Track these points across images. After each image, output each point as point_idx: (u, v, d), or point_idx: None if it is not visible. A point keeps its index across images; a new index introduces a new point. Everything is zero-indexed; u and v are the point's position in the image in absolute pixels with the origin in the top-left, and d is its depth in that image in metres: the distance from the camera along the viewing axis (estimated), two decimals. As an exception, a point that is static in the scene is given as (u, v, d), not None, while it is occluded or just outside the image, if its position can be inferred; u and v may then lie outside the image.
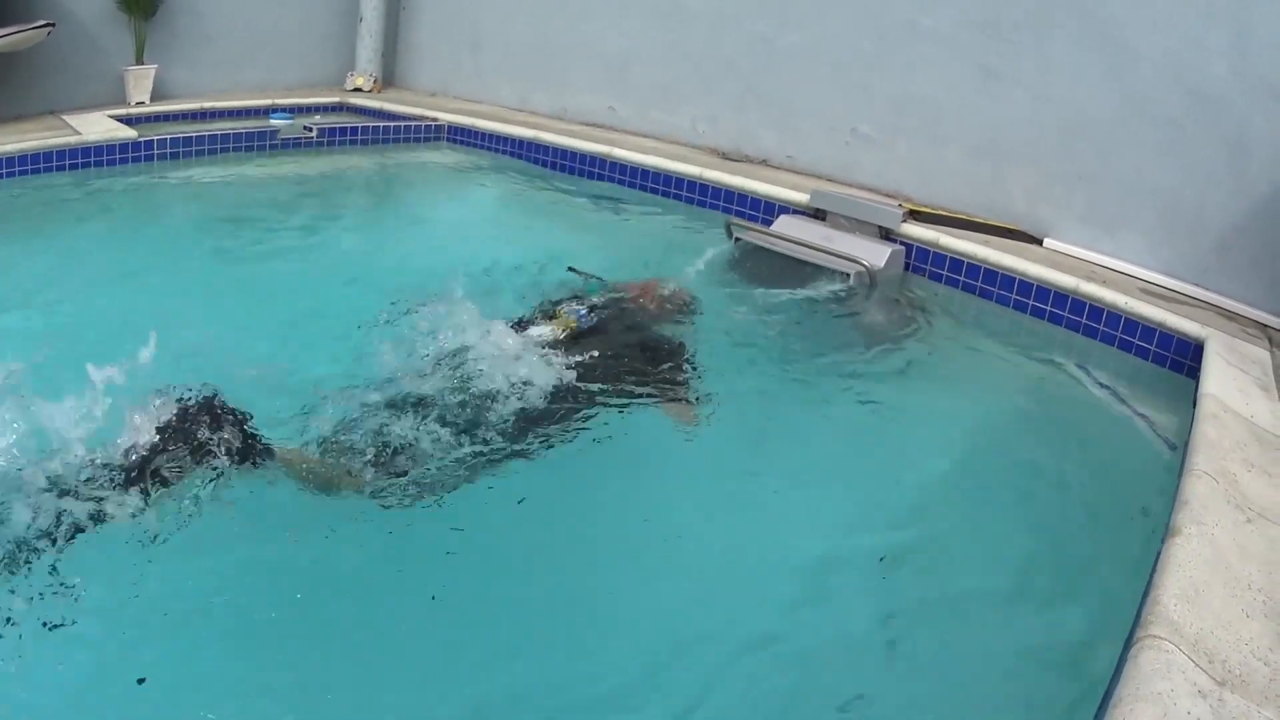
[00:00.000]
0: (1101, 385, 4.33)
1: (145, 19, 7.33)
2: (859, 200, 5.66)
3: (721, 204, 6.30)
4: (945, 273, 5.32)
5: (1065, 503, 3.40)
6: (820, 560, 2.94)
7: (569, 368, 3.52)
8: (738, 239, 5.59)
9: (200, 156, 6.74)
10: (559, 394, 3.38)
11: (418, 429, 3.03)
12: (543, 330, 3.73)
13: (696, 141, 7.34)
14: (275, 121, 7.24)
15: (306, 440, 2.95)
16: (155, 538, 2.52)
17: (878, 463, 3.62)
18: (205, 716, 2.13)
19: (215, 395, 2.78)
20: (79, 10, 6.99)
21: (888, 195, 6.11)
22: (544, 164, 7.28)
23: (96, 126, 6.51)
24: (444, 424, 3.07)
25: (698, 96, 7.32)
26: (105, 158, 6.29)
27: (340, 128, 7.54)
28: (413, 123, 7.85)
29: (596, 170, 6.99)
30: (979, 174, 5.86)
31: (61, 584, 2.33)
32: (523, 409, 3.24)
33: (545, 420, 3.26)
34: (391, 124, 7.81)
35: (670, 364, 3.84)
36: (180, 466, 2.66)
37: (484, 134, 7.68)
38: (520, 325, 3.79)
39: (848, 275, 5.11)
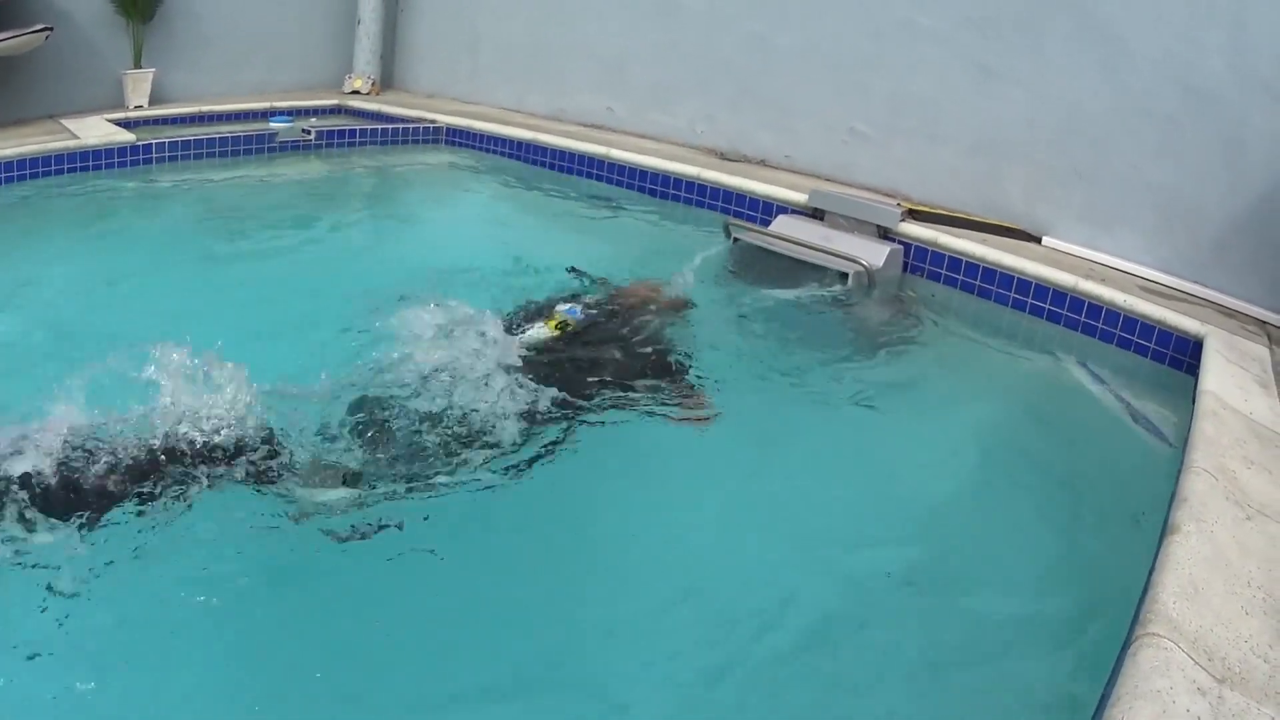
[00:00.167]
0: (1101, 383, 4.33)
1: (143, 23, 7.32)
2: (857, 200, 5.67)
3: (719, 204, 6.30)
4: (944, 272, 5.32)
5: (1064, 500, 3.39)
6: (819, 559, 2.94)
7: (562, 367, 3.52)
8: (736, 239, 5.60)
9: (199, 160, 6.75)
10: (551, 393, 3.38)
11: (413, 428, 3.03)
12: (537, 329, 3.73)
13: (694, 142, 7.34)
14: (275, 125, 7.24)
15: (304, 439, 2.95)
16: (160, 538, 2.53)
17: (876, 462, 3.63)
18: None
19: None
20: (77, 14, 6.99)
21: (886, 194, 6.11)
22: (542, 165, 7.28)
23: (95, 130, 6.51)
24: (439, 423, 3.07)
25: (695, 97, 7.32)
26: (104, 161, 6.29)
27: (338, 130, 7.54)
28: (411, 124, 7.85)
29: (594, 171, 7.00)
30: (977, 173, 5.87)
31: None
32: (516, 408, 3.24)
33: (539, 420, 3.26)
34: (389, 126, 7.81)
35: (664, 364, 3.84)
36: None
37: (482, 135, 7.68)
38: (514, 324, 3.78)
39: (846, 275, 5.11)
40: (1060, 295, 4.86)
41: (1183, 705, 1.83)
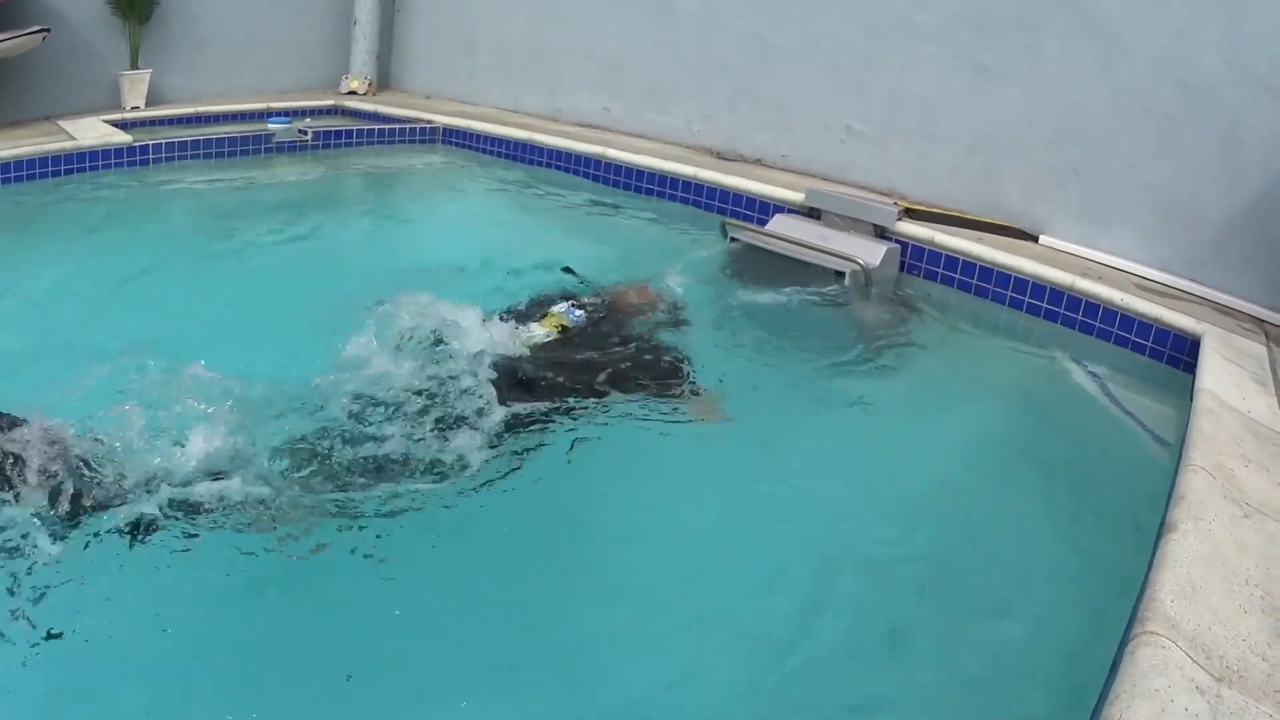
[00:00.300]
0: (1098, 381, 4.33)
1: (140, 24, 7.32)
2: (854, 199, 5.67)
3: (716, 204, 6.30)
4: (940, 270, 5.32)
5: (1061, 498, 3.39)
6: (818, 558, 2.94)
7: (564, 368, 3.52)
8: (733, 239, 5.59)
9: (195, 160, 6.74)
10: (550, 394, 3.38)
11: (411, 427, 3.03)
12: (535, 330, 3.72)
13: (691, 141, 7.34)
14: (273, 126, 7.24)
15: (301, 439, 2.95)
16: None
17: (873, 461, 3.63)
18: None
19: None
20: (74, 15, 6.98)
21: (882, 193, 6.11)
22: (539, 165, 7.28)
23: (92, 132, 6.51)
24: (436, 425, 3.07)
25: (691, 96, 7.32)
26: (100, 163, 6.28)
27: (335, 131, 7.54)
28: (407, 125, 7.85)
29: (591, 171, 7.00)
30: (973, 171, 5.87)
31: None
32: (515, 410, 3.24)
33: (538, 422, 3.26)
34: (386, 126, 7.81)
35: (665, 364, 3.84)
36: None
37: (479, 135, 7.68)
38: (510, 324, 3.77)
39: (843, 274, 5.11)
40: (1057, 294, 4.86)
41: (1181, 704, 1.83)
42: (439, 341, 3.42)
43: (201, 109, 7.62)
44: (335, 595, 2.56)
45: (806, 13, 6.58)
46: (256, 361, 3.22)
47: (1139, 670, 1.92)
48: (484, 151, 7.62)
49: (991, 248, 5.19)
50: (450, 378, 3.27)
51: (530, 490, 3.04)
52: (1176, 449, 3.22)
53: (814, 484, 3.37)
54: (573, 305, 3.98)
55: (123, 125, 6.83)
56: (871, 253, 5.20)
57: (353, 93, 8.72)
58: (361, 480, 2.86)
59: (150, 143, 6.52)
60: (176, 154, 6.65)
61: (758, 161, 6.90)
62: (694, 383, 3.77)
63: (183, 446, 2.77)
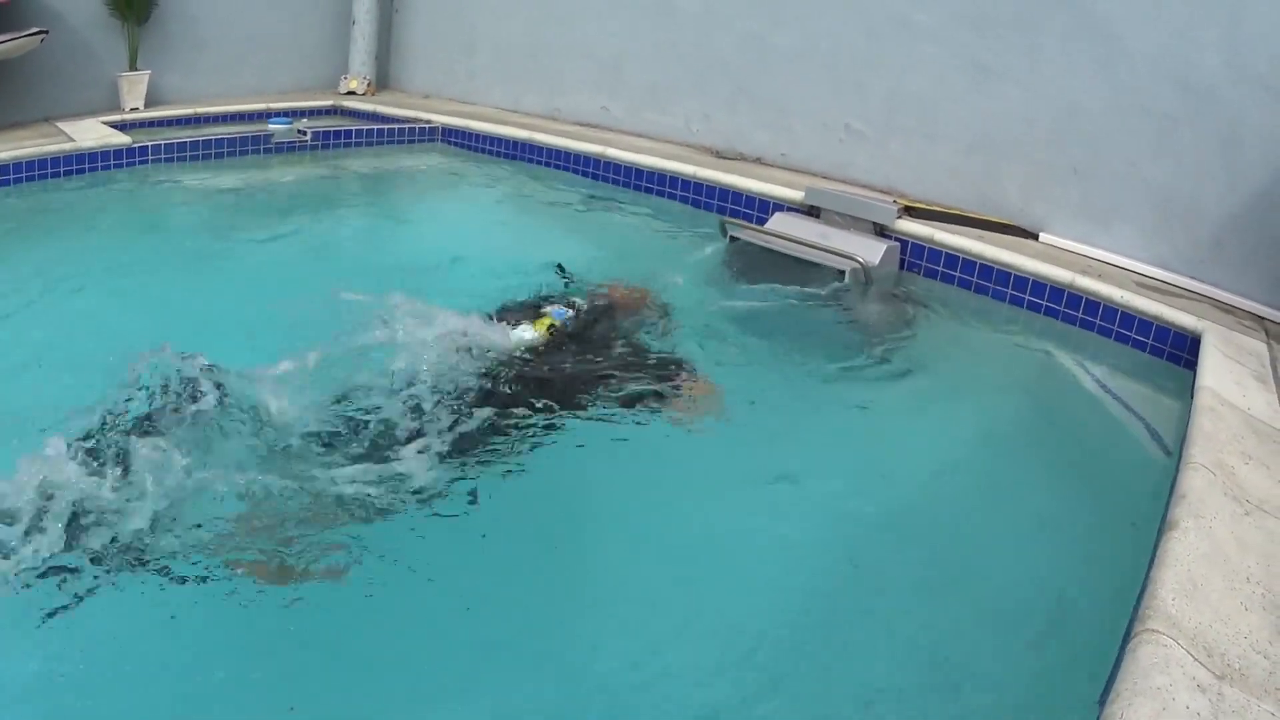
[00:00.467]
0: (1098, 379, 4.33)
1: (138, 25, 7.31)
2: (853, 197, 5.66)
3: (716, 202, 6.30)
4: (940, 268, 5.32)
5: (1062, 496, 3.40)
6: (818, 556, 2.94)
7: (555, 369, 3.51)
8: (732, 237, 5.59)
9: (194, 161, 6.74)
10: (541, 394, 3.38)
11: (402, 430, 3.03)
12: (524, 331, 3.71)
13: (690, 140, 7.34)
14: (274, 126, 7.23)
15: (297, 438, 2.95)
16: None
17: (873, 459, 3.62)
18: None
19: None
20: (72, 17, 6.98)
21: (882, 192, 6.11)
22: (538, 165, 7.28)
23: (91, 133, 6.51)
24: (428, 426, 3.06)
25: (691, 96, 7.32)
26: (100, 164, 6.28)
27: (334, 131, 7.53)
28: (406, 125, 7.85)
29: (591, 170, 6.99)
30: (973, 169, 5.87)
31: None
32: (504, 411, 3.23)
33: (531, 423, 3.25)
34: (385, 126, 7.80)
35: (657, 361, 3.83)
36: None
37: (478, 135, 7.67)
38: (501, 325, 3.76)
39: (843, 272, 5.11)
40: (1057, 291, 4.86)
41: (1182, 702, 1.83)
42: (431, 345, 3.41)
43: (200, 110, 7.61)
44: (335, 595, 2.56)
45: (806, 12, 6.58)
46: (255, 362, 3.20)
47: (1140, 668, 1.92)
48: (483, 151, 7.62)
49: (991, 245, 5.19)
50: (442, 381, 3.26)
51: (525, 491, 3.04)
52: (1177, 447, 3.22)
53: (813, 482, 3.37)
54: (563, 305, 3.97)
55: (122, 126, 6.83)
56: (871, 251, 5.20)
57: (352, 93, 8.72)
58: (354, 483, 2.85)
59: (149, 144, 6.52)
60: (175, 155, 6.64)
61: (757, 160, 6.90)
62: (690, 372, 3.77)
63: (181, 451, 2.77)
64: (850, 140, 6.47)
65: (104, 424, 2.69)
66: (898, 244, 5.38)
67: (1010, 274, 5.04)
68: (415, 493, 2.87)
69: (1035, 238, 5.53)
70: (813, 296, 4.98)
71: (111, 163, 6.34)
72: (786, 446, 3.62)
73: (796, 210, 5.81)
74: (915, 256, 5.40)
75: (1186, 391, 3.73)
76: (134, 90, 7.37)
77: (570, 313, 3.92)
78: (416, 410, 3.12)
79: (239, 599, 2.45)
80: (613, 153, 6.87)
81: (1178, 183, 5.01)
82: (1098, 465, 3.66)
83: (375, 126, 7.77)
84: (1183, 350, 4.35)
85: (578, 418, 3.38)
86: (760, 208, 6.02)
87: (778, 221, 5.63)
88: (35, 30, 6.31)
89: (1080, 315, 4.77)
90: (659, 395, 3.61)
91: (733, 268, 5.40)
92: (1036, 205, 5.59)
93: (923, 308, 5.03)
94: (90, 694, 2.16)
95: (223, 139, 6.93)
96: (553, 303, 4.03)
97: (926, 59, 6.02)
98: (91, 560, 2.41)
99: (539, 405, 3.33)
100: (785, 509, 3.19)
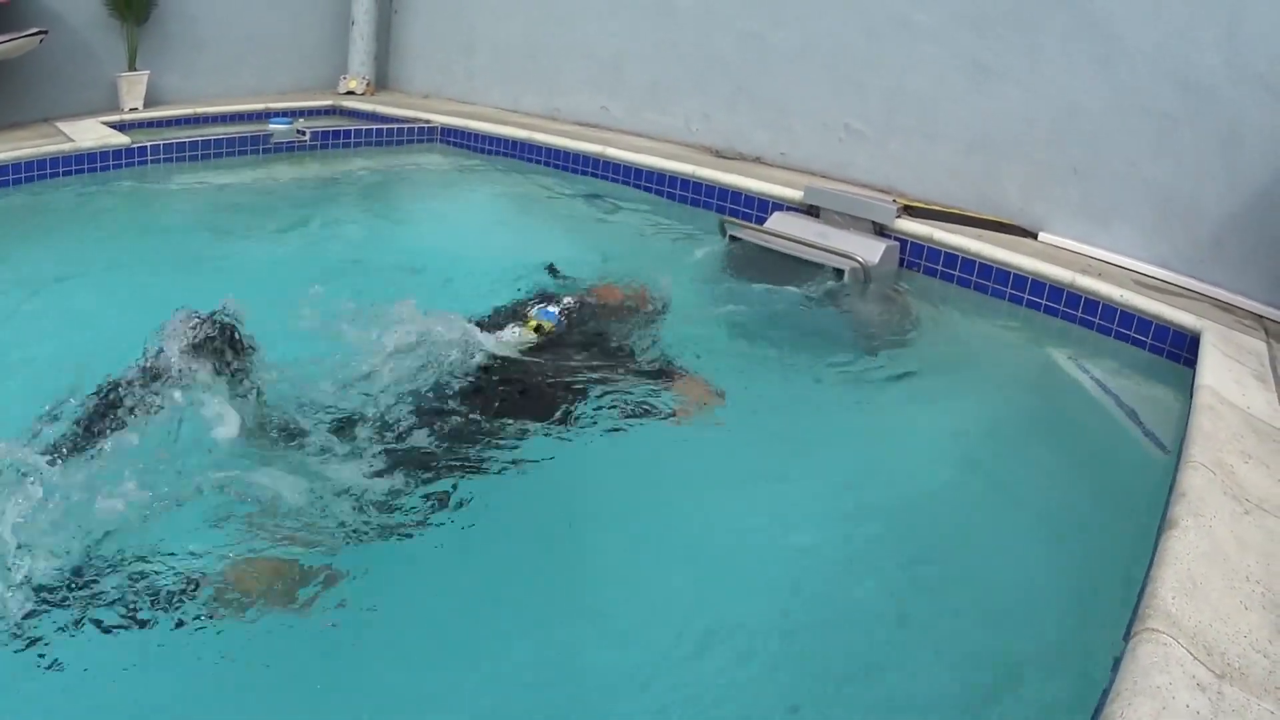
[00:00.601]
0: (1097, 378, 4.33)
1: (138, 25, 7.31)
2: (853, 196, 5.66)
3: (715, 202, 6.30)
4: (940, 268, 5.32)
5: (1061, 496, 3.40)
6: (819, 555, 2.94)
7: (544, 369, 3.50)
8: (732, 236, 5.59)
9: (194, 162, 6.74)
10: (530, 395, 3.37)
11: (397, 429, 3.02)
12: (513, 331, 3.71)
13: (690, 140, 7.34)
14: (275, 126, 7.23)
15: (291, 441, 2.95)
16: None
17: (873, 458, 3.62)
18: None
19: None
20: (71, 17, 6.98)
21: (881, 191, 6.11)
22: (538, 164, 7.28)
23: (90, 133, 6.50)
24: (419, 425, 3.06)
25: (691, 95, 7.32)
26: (99, 164, 6.28)
27: (333, 131, 7.53)
28: (406, 125, 7.84)
29: (590, 170, 6.99)
30: (972, 169, 5.87)
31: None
32: (494, 411, 3.23)
33: (520, 425, 3.24)
34: (384, 126, 7.80)
35: (648, 362, 3.82)
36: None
37: (477, 135, 7.67)
38: (491, 327, 3.76)
39: (842, 271, 5.11)
40: (1057, 291, 4.86)
41: (1182, 701, 1.83)
42: (421, 347, 3.40)
43: (200, 110, 7.61)
44: (335, 597, 2.56)
45: (806, 12, 6.57)
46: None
47: (1140, 667, 1.91)
48: (482, 151, 7.62)
49: (991, 244, 5.19)
50: (428, 383, 3.25)
51: (522, 492, 3.03)
52: (1177, 446, 3.21)
53: (813, 482, 3.37)
54: (552, 306, 3.96)
55: (121, 127, 6.83)
56: (871, 250, 5.20)
57: (351, 93, 8.72)
58: (349, 485, 2.84)
59: (148, 144, 6.51)
60: (175, 155, 6.64)
61: (757, 159, 6.90)
62: (681, 369, 3.77)
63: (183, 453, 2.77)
64: (850, 140, 6.47)
65: (76, 425, 2.69)
66: (897, 243, 5.38)
67: (1010, 273, 5.04)
68: (410, 495, 2.86)
69: (1035, 237, 5.53)
70: (812, 296, 4.98)
71: (111, 163, 6.33)
72: (786, 446, 3.61)
73: (796, 210, 5.81)
74: (915, 256, 5.40)
75: (1186, 390, 3.73)
76: (133, 90, 7.37)
77: (555, 310, 3.91)
78: (406, 413, 3.11)
79: (232, 610, 2.45)
80: (612, 152, 6.87)
81: (1178, 182, 5.01)
82: (1097, 464, 3.65)
83: (374, 126, 7.77)
84: (1182, 349, 4.35)
85: (570, 419, 3.37)
86: (760, 207, 6.01)
87: (777, 221, 5.63)
88: (35, 30, 6.31)
89: (1080, 314, 4.77)
90: (654, 394, 3.60)
91: (732, 267, 5.40)
92: (1036, 205, 5.59)
93: (921, 307, 5.03)
94: (91, 692, 2.16)
95: (222, 139, 6.93)
96: (542, 303, 4.01)
97: (926, 59, 6.02)
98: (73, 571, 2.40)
99: (531, 407, 3.32)
100: (785, 509, 3.19)
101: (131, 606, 2.34)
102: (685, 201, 6.46)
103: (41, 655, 2.19)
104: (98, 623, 2.29)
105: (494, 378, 3.37)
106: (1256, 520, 2.64)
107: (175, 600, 2.38)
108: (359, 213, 6.63)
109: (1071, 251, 5.33)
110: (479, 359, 3.41)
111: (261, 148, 7.09)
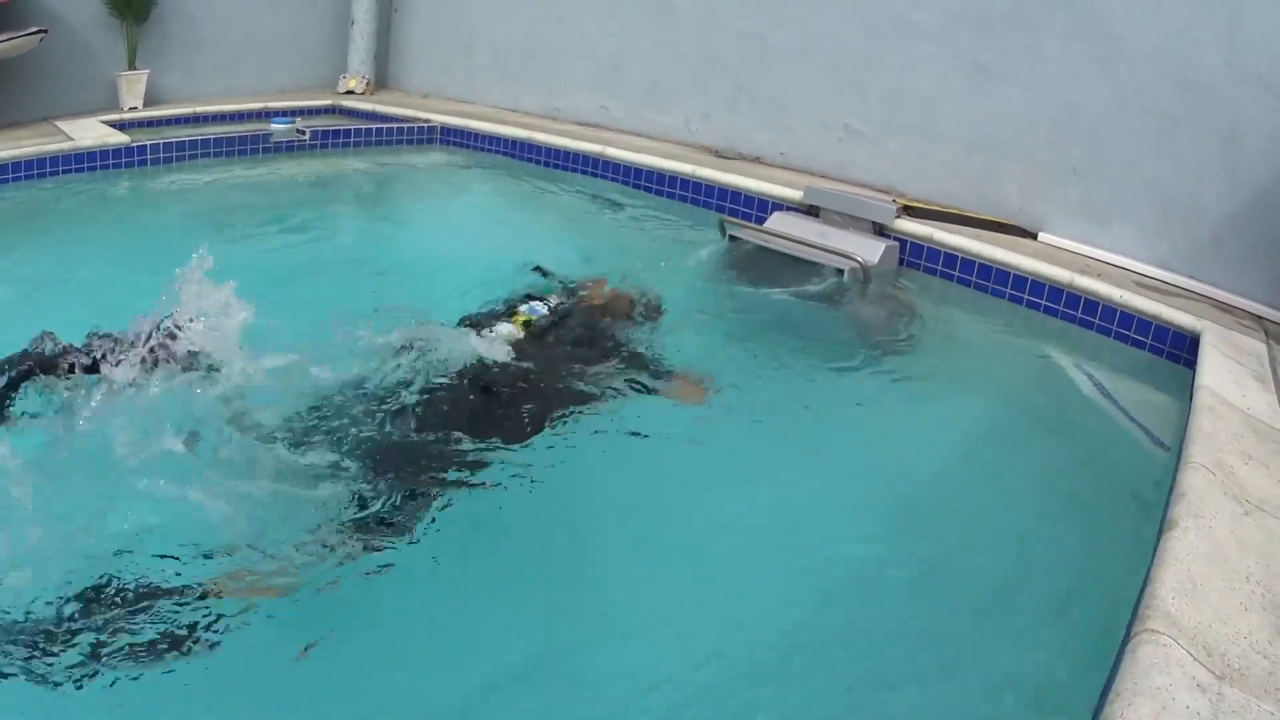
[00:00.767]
0: (1097, 379, 4.33)
1: (137, 24, 7.31)
2: (852, 196, 5.66)
3: (715, 201, 6.30)
4: (939, 268, 5.32)
5: (1061, 496, 3.39)
6: (819, 556, 2.94)
7: (534, 366, 3.50)
8: (732, 236, 5.59)
9: (193, 161, 6.73)
10: (520, 393, 3.36)
11: (393, 432, 3.02)
12: (502, 328, 3.70)
13: (690, 140, 7.34)
14: (275, 125, 7.23)
15: (291, 435, 2.94)
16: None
17: (872, 459, 3.62)
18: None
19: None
20: (71, 16, 6.97)
21: (881, 191, 6.11)
22: (537, 164, 7.28)
23: (90, 132, 6.50)
24: (415, 428, 3.06)
25: (691, 95, 7.31)
26: (98, 163, 6.28)
27: (333, 130, 7.53)
28: (406, 124, 7.84)
29: (590, 169, 6.99)
30: (972, 169, 5.87)
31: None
32: (491, 412, 3.23)
33: (511, 424, 3.23)
34: (384, 126, 7.80)
35: (637, 358, 3.82)
36: None
37: (477, 135, 7.67)
38: (479, 325, 3.75)
39: (842, 271, 5.11)
40: (1056, 291, 4.86)
41: (1182, 702, 1.83)
42: (412, 348, 3.39)
43: (199, 109, 7.61)
44: (334, 599, 2.56)
45: (806, 12, 6.57)
46: (251, 361, 3.20)
47: (1140, 668, 1.91)
48: (482, 150, 7.62)
49: (990, 244, 5.19)
50: (425, 385, 3.25)
51: (519, 493, 3.02)
52: (1176, 446, 3.21)
53: (812, 482, 3.37)
54: (540, 303, 3.95)
55: (120, 126, 6.83)
56: (870, 250, 5.20)
57: (351, 92, 8.72)
58: (344, 487, 2.84)
59: (148, 143, 6.51)
60: (174, 154, 6.64)
61: (756, 159, 6.90)
62: (670, 368, 3.76)
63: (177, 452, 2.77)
64: (850, 140, 6.47)
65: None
66: (897, 243, 5.38)
67: (1009, 273, 5.04)
68: (408, 497, 2.86)
69: (1034, 237, 5.53)
70: (812, 296, 4.98)
71: (110, 162, 6.33)
72: (786, 446, 3.61)
73: (796, 209, 5.81)
74: (914, 256, 5.41)
75: (1186, 391, 3.73)
76: (133, 90, 7.37)
77: (542, 306, 3.91)
78: (402, 416, 3.11)
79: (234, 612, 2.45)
80: (612, 152, 6.87)
81: (1177, 182, 5.01)
82: (1097, 465, 3.65)
83: (374, 126, 7.76)
84: (1182, 350, 4.35)
85: (566, 420, 3.37)
86: (759, 207, 6.02)
87: (777, 221, 5.63)
88: (34, 30, 6.31)
89: (1079, 314, 4.78)
90: (646, 392, 3.60)
91: (732, 267, 5.40)
92: (1036, 204, 5.59)
93: (921, 307, 5.02)
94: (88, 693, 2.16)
95: (221, 138, 6.93)
96: (530, 301, 4.01)
97: (926, 59, 6.02)
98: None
99: (527, 408, 3.31)
100: (785, 508, 3.18)
101: (132, 612, 2.34)
102: (685, 201, 6.45)
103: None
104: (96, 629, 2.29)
105: (488, 379, 3.36)
106: (1256, 521, 2.65)
107: (170, 607, 2.37)
108: (359, 212, 6.64)
109: (1071, 251, 5.33)
110: (472, 360, 3.41)
111: (261, 147, 7.09)
